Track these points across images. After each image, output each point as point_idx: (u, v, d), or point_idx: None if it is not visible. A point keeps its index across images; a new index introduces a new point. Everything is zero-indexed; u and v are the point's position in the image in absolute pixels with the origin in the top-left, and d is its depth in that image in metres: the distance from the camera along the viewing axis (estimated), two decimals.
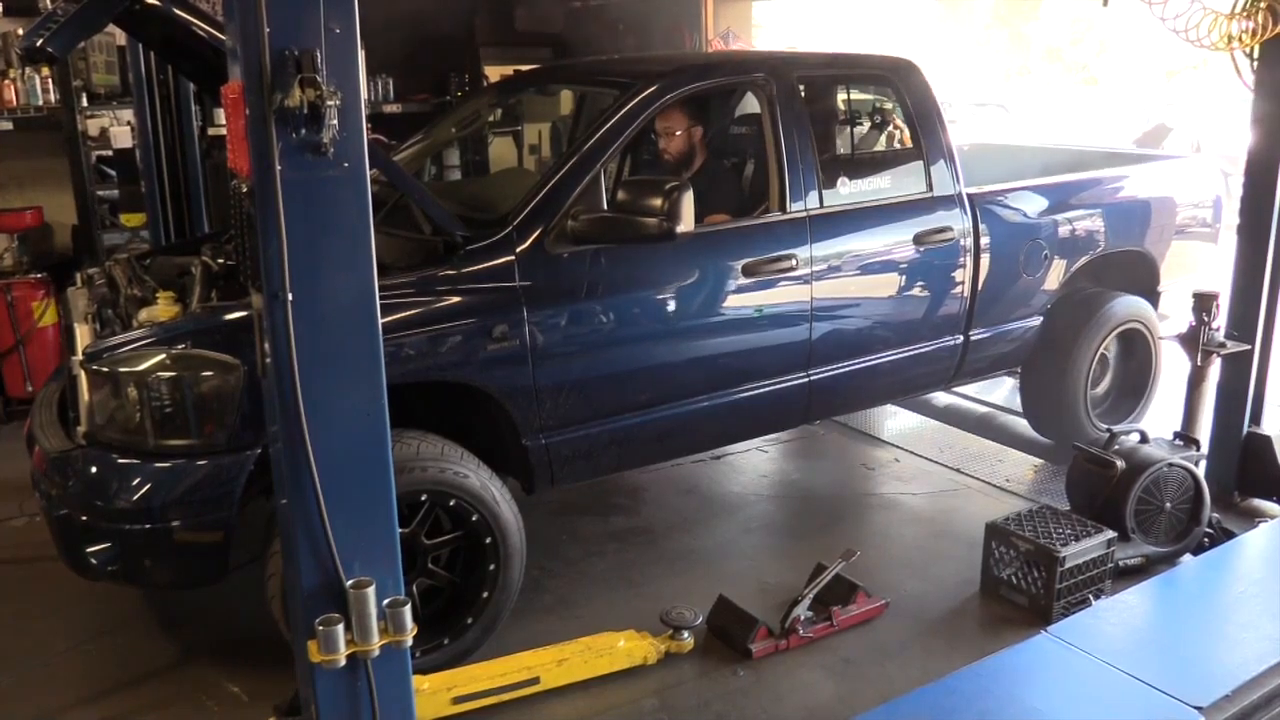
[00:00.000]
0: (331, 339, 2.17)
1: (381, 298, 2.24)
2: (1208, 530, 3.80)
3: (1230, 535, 3.77)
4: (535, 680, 3.04)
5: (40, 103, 5.56)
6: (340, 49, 2.06)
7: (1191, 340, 4.14)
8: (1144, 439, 3.94)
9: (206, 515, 2.85)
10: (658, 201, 3.14)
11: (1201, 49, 3.84)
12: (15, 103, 5.51)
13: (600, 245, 3.29)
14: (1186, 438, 4.07)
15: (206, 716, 3.04)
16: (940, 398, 5.52)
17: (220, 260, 3.32)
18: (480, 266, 3.17)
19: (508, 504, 3.16)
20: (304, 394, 2.13)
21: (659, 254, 3.39)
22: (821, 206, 3.79)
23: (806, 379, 3.83)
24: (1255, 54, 3.88)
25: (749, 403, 3.72)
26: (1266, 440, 4.19)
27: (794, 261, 3.68)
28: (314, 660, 2.25)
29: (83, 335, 3.26)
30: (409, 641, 2.34)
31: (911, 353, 4.12)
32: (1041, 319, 4.50)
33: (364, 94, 2.28)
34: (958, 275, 4.13)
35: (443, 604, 3.19)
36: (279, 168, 2.04)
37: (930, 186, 4.08)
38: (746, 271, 3.59)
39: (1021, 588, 3.48)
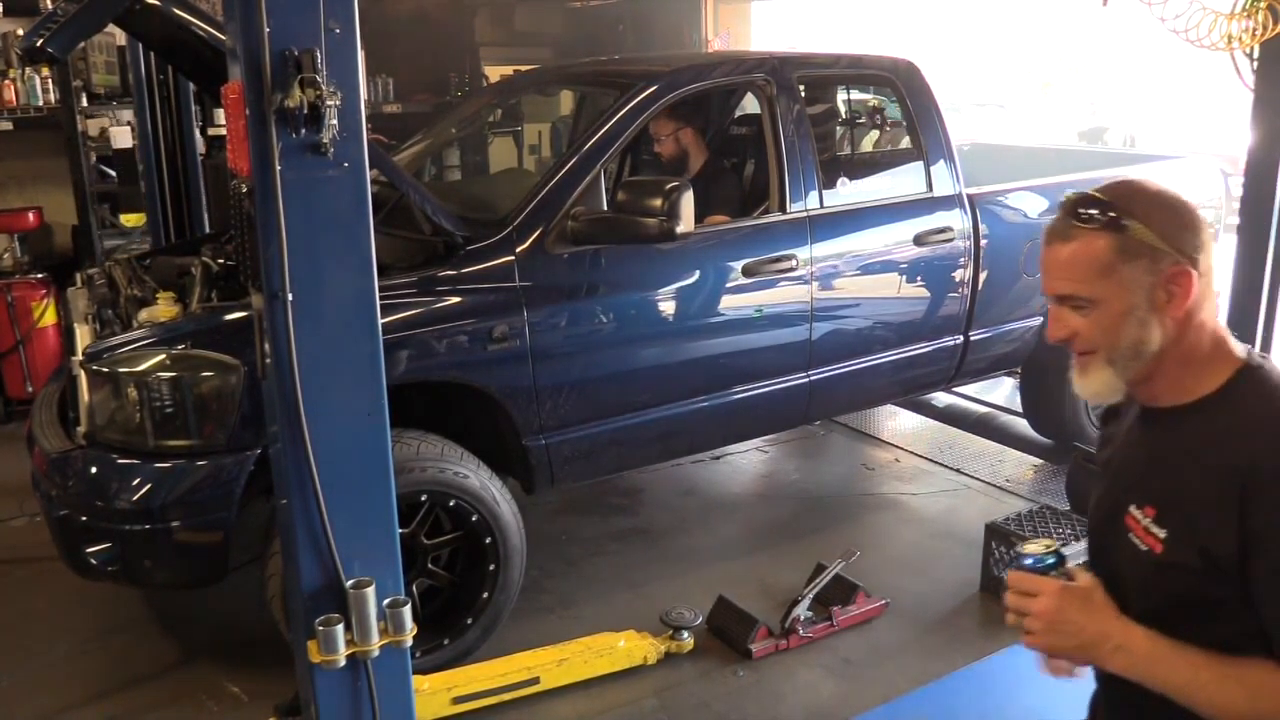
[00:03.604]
0: (331, 339, 2.18)
1: (381, 298, 2.24)
2: None
3: None
4: (535, 680, 3.04)
5: (40, 103, 5.56)
6: (340, 49, 2.06)
7: None
8: None
9: (206, 515, 2.85)
10: (658, 202, 3.13)
11: (1201, 49, 3.83)
12: (15, 103, 5.51)
13: (600, 245, 3.29)
14: None
15: (206, 716, 3.04)
16: (940, 398, 5.53)
17: (220, 260, 3.32)
18: (480, 267, 3.17)
19: (508, 504, 3.16)
20: (304, 394, 2.14)
21: (659, 254, 3.39)
22: (821, 207, 3.79)
23: (806, 379, 3.83)
24: (1255, 54, 3.88)
25: (749, 403, 3.72)
26: None
27: (794, 262, 3.68)
28: (314, 660, 2.25)
29: (83, 335, 3.26)
30: (409, 641, 2.34)
31: (911, 353, 4.12)
32: (1042, 319, 4.50)
33: (364, 94, 2.28)
34: (958, 275, 4.13)
35: (443, 604, 3.19)
36: (279, 168, 2.04)
37: (930, 186, 4.08)
38: (746, 272, 3.58)
39: None
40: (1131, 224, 1.43)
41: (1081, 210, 1.47)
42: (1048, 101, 9.92)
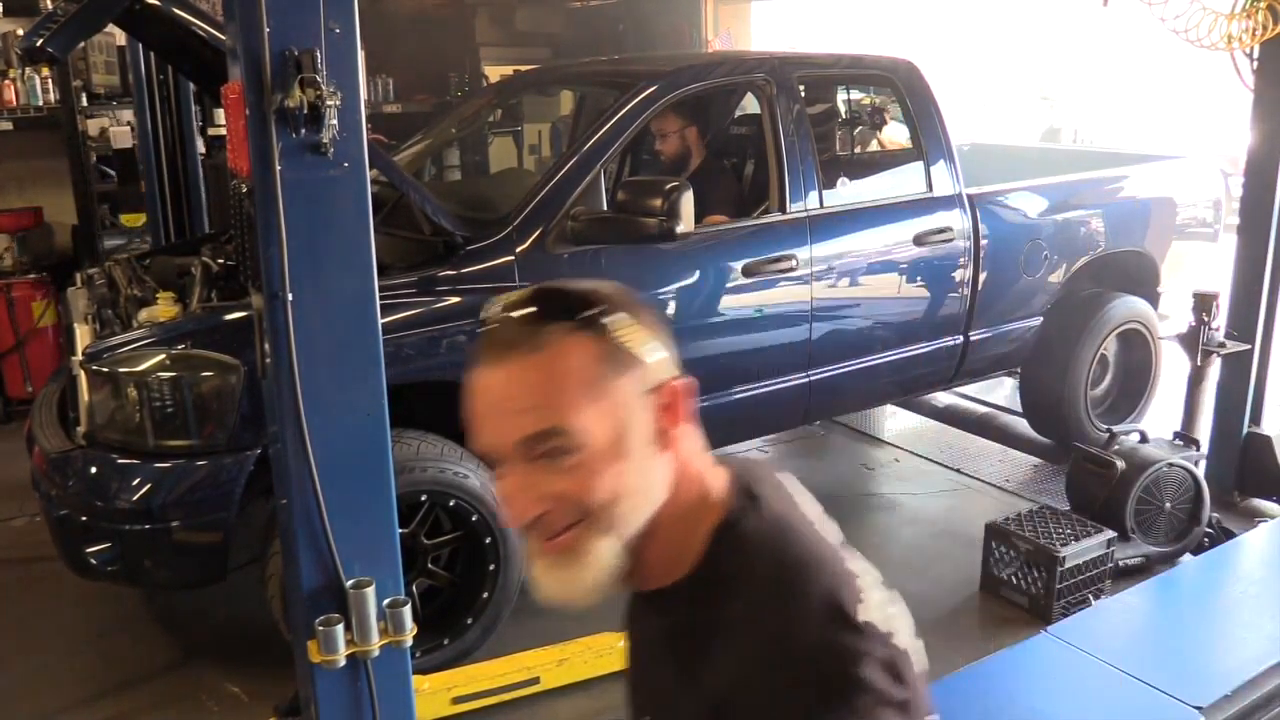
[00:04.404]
0: (331, 339, 2.18)
1: (381, 298, 2.24)
2: (1208, 530, 3.80)
3: (1230, 535, 3.77)
4: (535, 680, 3.04)
5: (40, 103, 5.56)
6: (340, 49, 2.06)
7: (1191, 340, 4.14)
8: (1144, 439, 3.94)
9: (206, 516, 2.85)
10: (657, 202, 3.14)
11: (1201, 49, 3.83)
12: (15, 103, 5.51)
13: (600, 245, 3.29)
14: (1186, 438, 4.07)
15: (206, 716, 3.04)
16: (940, 398, 5.52)
17: (220, 260, 3.32)
18: (480, 267, 3.17)
19: None
20: (304, 394, 2.14)
21: (659, 254, 3.39)
22: (821, 207, 3.79)
23: (806, 379, 3.83)
24: (1255, 54, 3.88)
25: (749, 403, 3.72)
26: (1266, 440, 4.18)
27: (794, 262, 3.67)
28: (314, 660, 2.25)
29: (83, 335, 3.26)
30: (409, 641, 2.34)
31: (911, 353, 4.11)
32: (1041, 319, 4.50)
33: (364, 94, 2.28)
34: (957, 275, 4.13)
35: (443, 604, 3.19)
36: (279, 168, 2.04)
37: (930, 186, 4.08)
38: (746, 272, 3.58)
39: (1021, 588, 3.48)
40: (612, 320, 0.98)
41: (543, 306, 0.98)
42: (1016, 102, 9.99)
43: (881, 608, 1.01)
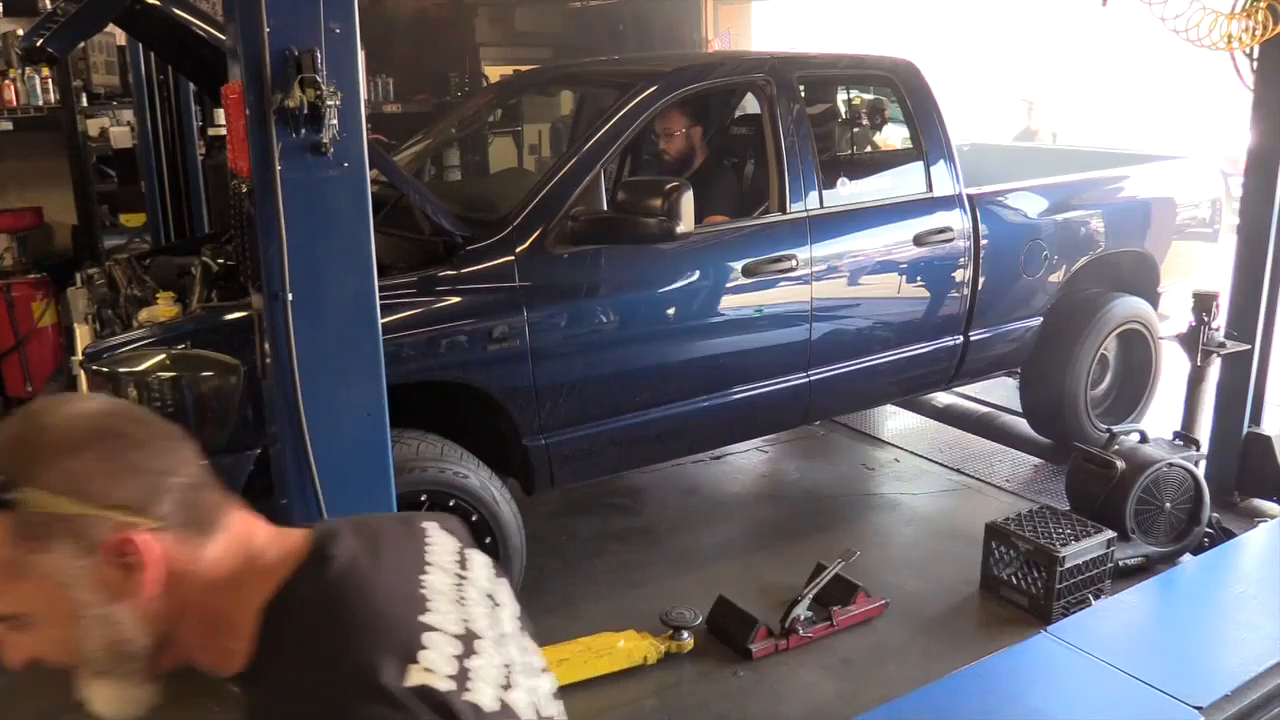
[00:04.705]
0: (331, 339, 2.18)
1: (381, 298, 2.25)
2: (1208, 530, 3.80)
3: (1230, 535, 3.77)
4: None
5: (40, 103, 5.56)
6: (340, 49, 2.06)
7: (1191, 340, 4.14)
8: (1144, 439, 3.94)
9: None
10: (657, 201, 3.14)
11: (1201, 49, 3.83)
12: (15, 103, 5.51)
13: (600, 245, 3.29)
14: (1186, 438, 4.07)
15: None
16: (940, 398, 5.52)
17: (220, 260, 3.32)
18: (480, 267, 3.17)
19: (507, 504, 3.16)
20: (304, 394, 2.14)
21: (659, 254, 3.39)
22: (821, 207, 3.79)
23: (806, 379, 3.83)
24: (1255, 54, 3.89)
25: (749, 403, 3.72)
26: (1266, 440, 4.18)
27: (794, 262, 3.67)
28: None
29: (83, 335, 3.27)
30: None
31: (911, 353, 4.12)
32: (1041, 319, 4.50)
33: (364, 94, 2.28)
34: (957, 275, 4.13)
35: None
36: (279, 168, 2.04)
37: (930, 186, 4.08)
38: (746, 272, 3.58)
39: (1021, 588, 3.48)
40: (23, 494, 0.93)
41: None
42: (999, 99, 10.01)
43: (444, 667, 0.94)
